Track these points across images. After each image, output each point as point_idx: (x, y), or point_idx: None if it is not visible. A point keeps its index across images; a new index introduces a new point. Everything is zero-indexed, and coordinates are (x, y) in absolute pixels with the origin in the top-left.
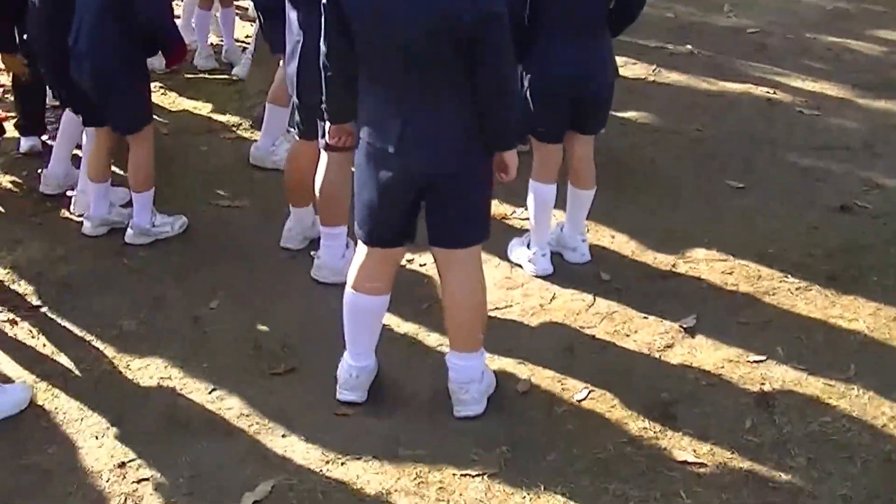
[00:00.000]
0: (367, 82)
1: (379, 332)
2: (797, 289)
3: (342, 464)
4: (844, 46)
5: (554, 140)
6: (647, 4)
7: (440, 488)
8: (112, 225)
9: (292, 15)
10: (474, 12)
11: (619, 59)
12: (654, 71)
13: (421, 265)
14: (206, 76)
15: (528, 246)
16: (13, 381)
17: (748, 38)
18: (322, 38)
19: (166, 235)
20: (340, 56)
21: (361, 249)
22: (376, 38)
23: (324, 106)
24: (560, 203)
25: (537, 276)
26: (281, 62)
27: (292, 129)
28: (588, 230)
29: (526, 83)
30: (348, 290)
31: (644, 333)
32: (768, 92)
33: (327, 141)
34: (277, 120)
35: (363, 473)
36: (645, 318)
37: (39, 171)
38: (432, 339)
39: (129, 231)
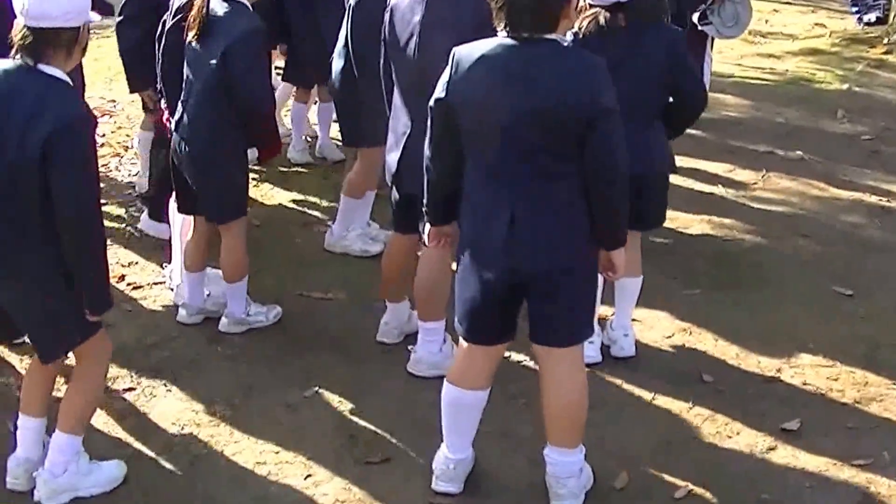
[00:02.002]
0: (474, 180)
1: (477, 425)
2: None
3: None
4: None
5: None
6: (756, 109)
7: None
8: (207, 314)
9: (398, 105)
10: (588, 108)
11: (726, 164)
12: (762, 176)
13: (515, 358)
14: (300, 169)
15: None
16: (108, 459)
17: (862, 144)
18: (428, 140)
19: (260, 325)
20: (446, 157)
21: (462, 345)
22: (487, 134)
23: (425, 208)
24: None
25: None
26: (360, 155)
27: (373, 223)
28: (690, 333)
29: None
30: (447, 384)
31: (746, 435)
32: (882, 200)
33: (426, 243)
34: (351, 211)
35: None
36: (747, 420)
37: (164, 264)
38: (529, 431)
39: (224, 320)
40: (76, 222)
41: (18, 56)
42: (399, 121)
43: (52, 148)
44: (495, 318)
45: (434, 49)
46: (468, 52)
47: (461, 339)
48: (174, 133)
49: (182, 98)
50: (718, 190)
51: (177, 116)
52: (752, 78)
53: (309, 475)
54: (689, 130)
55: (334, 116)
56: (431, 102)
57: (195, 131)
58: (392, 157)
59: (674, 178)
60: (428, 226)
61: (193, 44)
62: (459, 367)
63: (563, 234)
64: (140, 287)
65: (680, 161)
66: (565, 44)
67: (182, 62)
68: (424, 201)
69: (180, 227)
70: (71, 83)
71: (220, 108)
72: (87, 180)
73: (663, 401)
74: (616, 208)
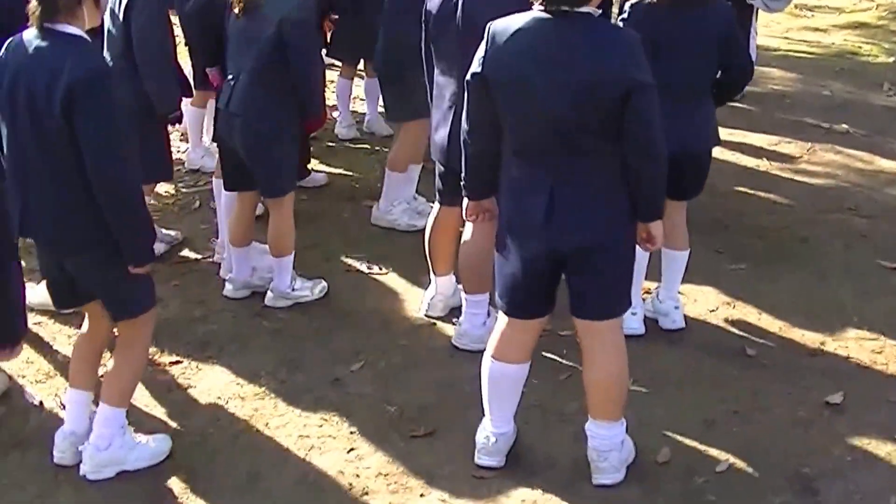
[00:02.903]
0: (512, 155)
1: (518, 399)
2: None
3: None
4: None
5: None
6: (802, 82)
7: None
8: (253, 288)
9: (442, 81)
10: (622, 82)
11: (773, 137)
12: (808, 149)
13: (561, 334)
14: (348, 145)
15: None
16: (153, 433)
17: None
18: (465, 114)
19: (306, 299)
20: (484, 131)
21: (502, 318)
22: (523, 110)
23: (463, 182)
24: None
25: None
26: (402, 129)
27: (419, 197)
28: (734, 306)
29: None
30: (488, 358)
31: (788, 408)
32: None
33: (465, 217)
34: (395, 185)
35: None
36: (790, 393)
37: (212, 239)
38: (572, 407)
39: (269, 294)
40: (103, 173)
41: (33, 25)
42: (443, 97)
43: (73, 101)
44: (534, 293)
45: (478, 21)
46: (504, 26)
47: (501, 313)
48: (222, 109)
49: (231, 76)
50: (764, 163)
51: (225, 93)
52: (798, 51)
53: (352, 449)
54: (734, 104)
55: None
56: (468, 77)
57: (248, 107)
58: (441, 134)
59: (719, 152)
60: (466, 200)
61: (240, 20)
62: (500, 340)
63: (601, 210)
64: (187, 261)
65: (726, 134)
66: (600, 16)
67: (218, 25)
68: (463, 175)
69: (226, 201)
70: (88, 39)
71: (273, 82)
72: (110, 130)
73: (706, 374)
74: (654, 182)
